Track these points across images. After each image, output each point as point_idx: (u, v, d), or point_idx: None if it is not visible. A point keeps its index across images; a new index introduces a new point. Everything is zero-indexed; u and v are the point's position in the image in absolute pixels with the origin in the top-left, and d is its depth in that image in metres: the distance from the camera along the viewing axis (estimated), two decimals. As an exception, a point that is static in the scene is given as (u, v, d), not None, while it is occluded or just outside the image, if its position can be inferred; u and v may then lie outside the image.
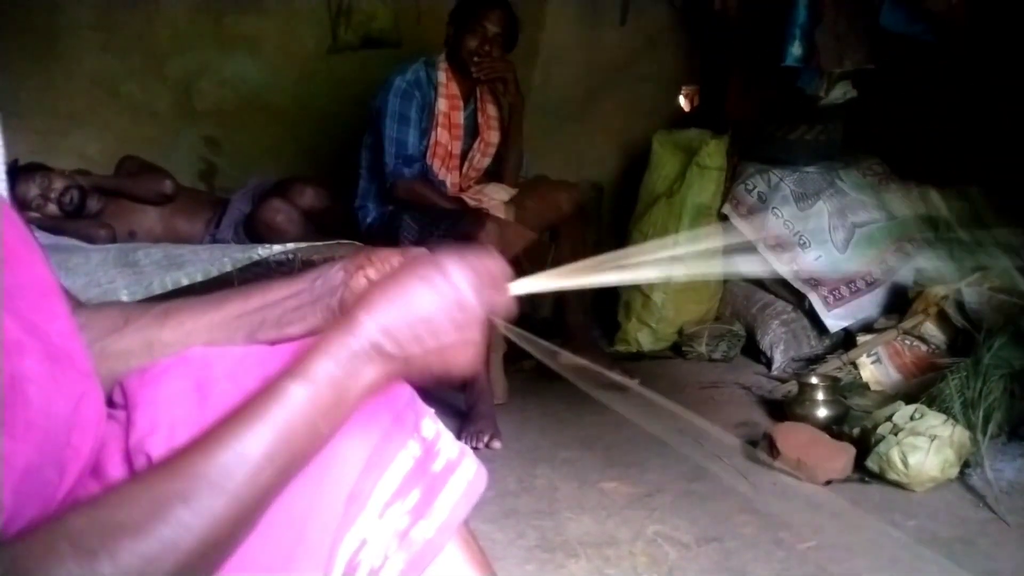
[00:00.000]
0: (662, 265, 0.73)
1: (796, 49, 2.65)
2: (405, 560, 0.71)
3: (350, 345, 0.59)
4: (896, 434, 1.85)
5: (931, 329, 2.56)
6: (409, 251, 0.74)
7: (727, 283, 3.26)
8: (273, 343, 0.74)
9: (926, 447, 1.80)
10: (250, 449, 0.54)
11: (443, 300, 0.61)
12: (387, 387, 0.63)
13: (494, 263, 0.66)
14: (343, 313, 0.65)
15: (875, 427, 1.91)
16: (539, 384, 2.71)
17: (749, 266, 2.37)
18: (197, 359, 0.73)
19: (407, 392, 0.74)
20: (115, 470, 0.65)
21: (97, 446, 0.63)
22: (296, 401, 0.57)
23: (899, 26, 2.61)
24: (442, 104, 2.63)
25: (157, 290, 2.41)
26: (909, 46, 2.78)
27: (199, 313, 0.74)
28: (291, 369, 0.58)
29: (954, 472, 1.84)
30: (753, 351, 3.00)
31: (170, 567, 0.49)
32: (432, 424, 0.76)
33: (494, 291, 0.65)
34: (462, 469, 0.77)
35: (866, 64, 2.73)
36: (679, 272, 0.77)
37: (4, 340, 0.52)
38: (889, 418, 1.90)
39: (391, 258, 0.74)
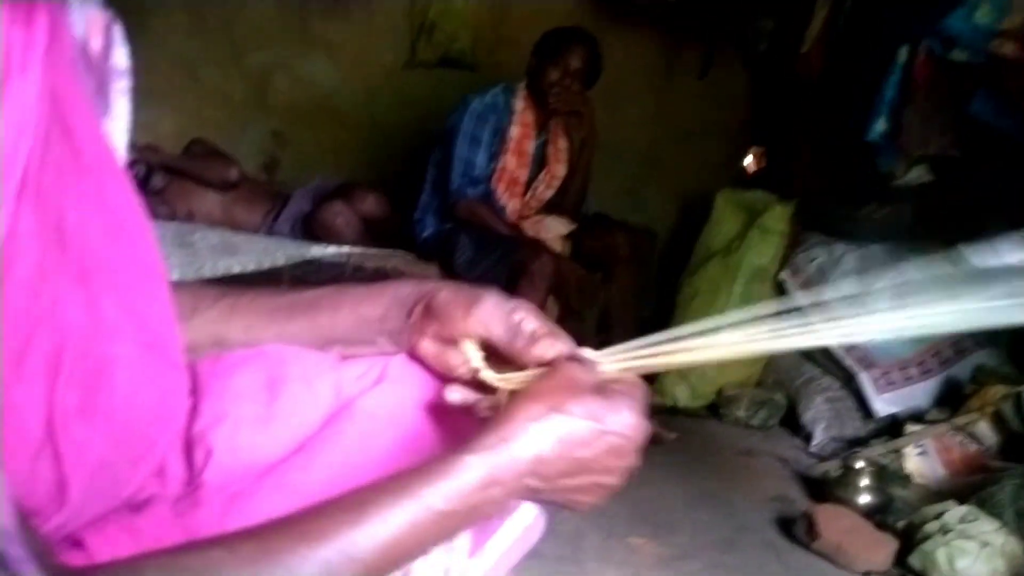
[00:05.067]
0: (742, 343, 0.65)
1: (881, 125, 2.60)
2: (449, 601, 0.67)
3: (496, 475, 0.53)
4: (944, 534, 1.76)
5: (984, 429, 2.46)
6: (475, 298, 0.64)
7: (773, 350, 3.19)
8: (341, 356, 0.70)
9: (976, 552, 1.71)
10: (354, 554, 0.49)
11: (607, 450, 0.56)
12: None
13: (644, 423, 0.59)
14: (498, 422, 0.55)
15: (922, 523, 1.82)
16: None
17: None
18: (272, 355, 0.69)
19: (475, 421, 0.69)
20: (174, 459, 0.62)
21: (173, 448, 0.60)
22: (423, 517, 0.51)
23: (988, 117, 2.54)
24: (515, 131, 2.63)
25: (208, 274, 2.42)
26: (993, 138, 2.71)
27: (266, 321, 0.70)
28: (426, 474, 0.52)
29: (1003, 584, 1.74)
30: (791, 422, 2.92)
31: None
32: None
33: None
34: (519, 513, 0.73)
35: (950, 150, 2.67)
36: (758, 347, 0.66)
37: (99, 320, 0.49)
38: (938, 516, 1.81)
39: (453, 318, 0.64)
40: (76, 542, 0.51)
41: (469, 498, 0.52)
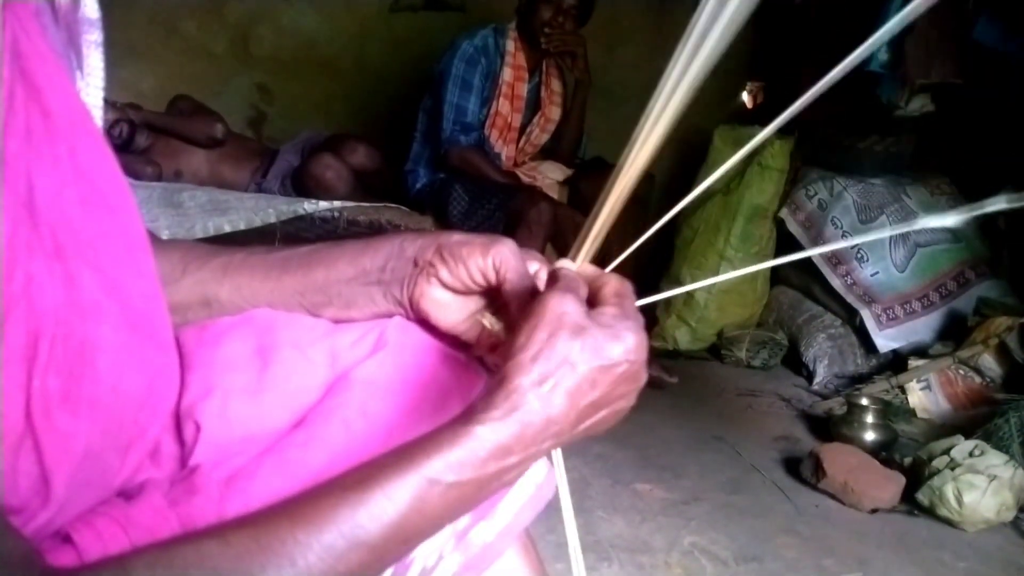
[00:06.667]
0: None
1: (882, 55, 2.53)
2: (460, 563, 0.65)
3: (508, 445, 0.49)
4: (953, 469, 1.76)
5: (988, 361, 2.46)
6: (492, 240, 0.61)
7: (774, 289, 3.16)
8: (334, 321, 0.67)
9: (984, 486, 1.71)
10: (359, 536, 0.45)
11: (616, 380, 0.52)
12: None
13: (642, 334, 0.54)
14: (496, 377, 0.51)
15: (930, 459, 1.82)
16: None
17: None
18: (262, 321, 0.66)
19: (481, 382, 0.67)
20: (166, 438, 0.59)
21: (165, 428, 0.56)
22: (431, 492, 0.47)
23: (993, 42, 2.47)
24: (507, 74, 2.55)
25: (199, 234, 2.37)
26: (997, 64, 2.64)
27: (260, 278, 0.66)
28: (431, 445, 0.48)
29: (1010, 516, 1.75)
30: (793, 362, 2.91)
31: None
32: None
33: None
34: (532, 472, 0.71)
35: (953, 78, 2.60)
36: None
37: (79, 300, 0.45)
38: (947, 451, 1.80)
39: (466, 256, 0.61)
40: (65, 538, 0.48)
41: (480, 470, 0.49)
